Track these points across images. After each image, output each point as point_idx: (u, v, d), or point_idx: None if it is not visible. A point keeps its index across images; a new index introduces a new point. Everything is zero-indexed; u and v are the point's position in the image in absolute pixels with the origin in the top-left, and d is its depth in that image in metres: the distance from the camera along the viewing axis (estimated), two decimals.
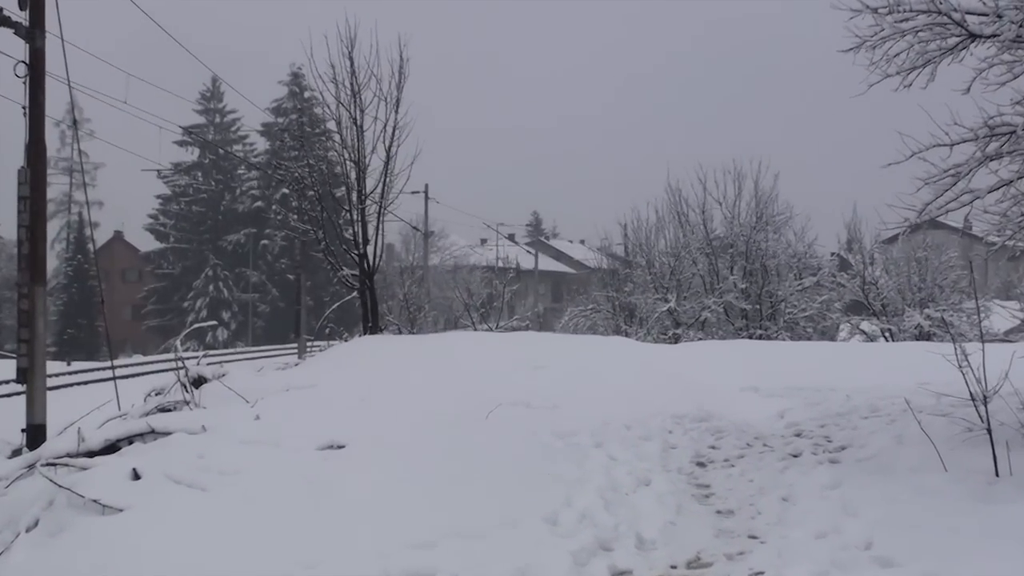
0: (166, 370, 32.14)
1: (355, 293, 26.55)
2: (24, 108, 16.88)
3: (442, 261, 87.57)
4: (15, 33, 16.81)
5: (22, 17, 16.94)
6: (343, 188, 26.31)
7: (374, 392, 15.22)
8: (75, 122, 37.43)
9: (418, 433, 12.45)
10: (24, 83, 16.87)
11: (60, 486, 9.65)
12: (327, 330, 30.96)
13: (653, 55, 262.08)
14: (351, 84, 25.27)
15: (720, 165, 41.53)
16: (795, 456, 12.80)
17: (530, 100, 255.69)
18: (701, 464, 13.00)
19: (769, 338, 36.50)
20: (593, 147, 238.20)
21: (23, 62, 16.89)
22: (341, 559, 8.56)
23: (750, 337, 36.53)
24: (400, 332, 30.30)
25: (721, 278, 40.16)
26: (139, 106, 32.57)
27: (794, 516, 10.11)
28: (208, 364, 17.32)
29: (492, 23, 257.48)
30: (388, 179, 25.56)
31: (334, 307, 31.19)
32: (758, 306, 39.00)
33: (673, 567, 9.15)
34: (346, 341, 26.08)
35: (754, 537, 9.83)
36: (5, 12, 16.69)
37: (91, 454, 11.48)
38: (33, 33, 16.88)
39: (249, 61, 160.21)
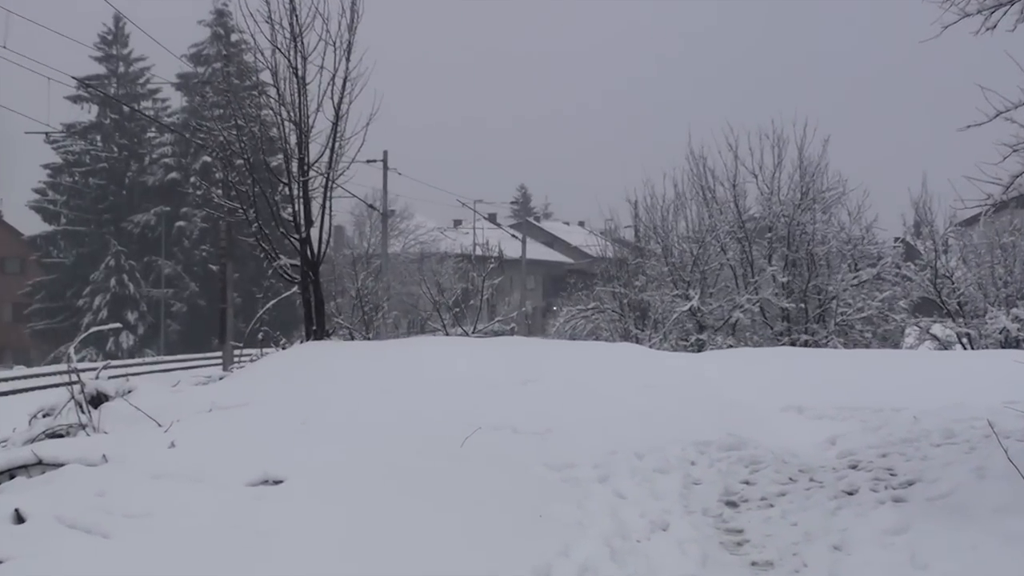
0: (57, 385, 32.06)
1: (296, 288, 26.42)
2: None
3: (405, 248, 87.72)
4: None
5: None
6: (280, 156, 26.20)
7: (320, 413, 15.24)
8: None
9: (375, 465, 12.45)
10: None
11: None
12: (260, 335, 30.94)
13: None
14: (291, 24, 24.89)
15: (756, 127, 40.40)
16: (850, 494, 12.81)
17: (518, 49, 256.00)
18: (732, 504, 13.02)
19: (817, 345, 36.37)
20: (596, 106, 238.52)
21: None
22: None
23: (792, 344, 36.40)
24: (352, 337, 30.28)
25: (757, 270, 39.74)
26: (21, 51, 32.44)
27: (849, 569, 10.12)
28: (110, 378, 17.32)
29: None
30: (337, 144, 25.31)
31: (269, 306, 30.94)
32: (803, 305, 38.66)
33: None
34: (284, 348, 26.04)
35: None
36: None
37: None
38: None
39: None
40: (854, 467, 14.16)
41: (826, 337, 37.64)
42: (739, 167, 41.38)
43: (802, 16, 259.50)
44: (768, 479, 13.86)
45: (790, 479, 13.85)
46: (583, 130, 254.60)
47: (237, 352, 41.12)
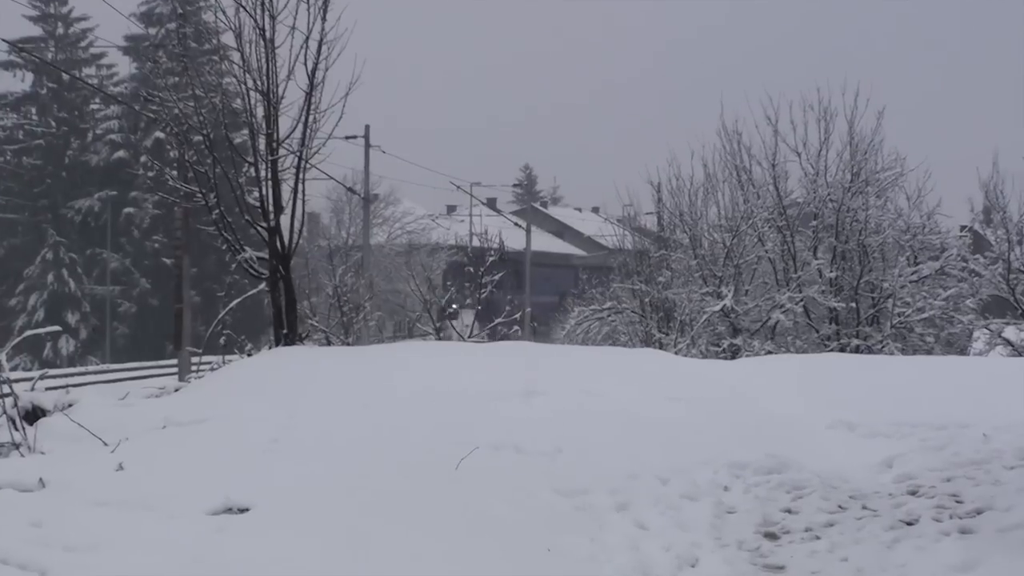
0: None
1: (263, 285, 26.39)
2: None
3: (391, 238, 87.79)
4: None
5: None
6: (245, 131, 26.17)
7: (292, 430, 15.26)
8: None
9: (356, 490, 12.47)
10: None
11: None
12: (222, 340, 30.93)
13: None
14: None
15: (798, 98, 39.86)
16: (909, 524, 12.83)
17: (523, 16, 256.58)
18: (772, 535, 13.03)
19: (870, 351, 36.33)
20: (612, 77, 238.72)
21: None
22: None
23: (842, 350, 36.36)
24: (329, 342, 30.29)
25: (800, 263, 39.63)
26: None
27: None
28: (47, 389, 17.35)
29: None
30: (311, 118, 25.19)
31: (232, 306, 30.87)
32: (854, 304, 38.59)
33: None
34: (250, 356, 26.04)
35: None
36: None
37: None
38: None
39: None
40: (914, 493, 14.17)
41: (881, 342, 37.54)
42: (779, 144, 41.07)
43: None
44: (814, 507, 13.86)
45: (839, 507, 13.85)
46: (600, 104, 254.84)
47: (195, 360, 41.20)
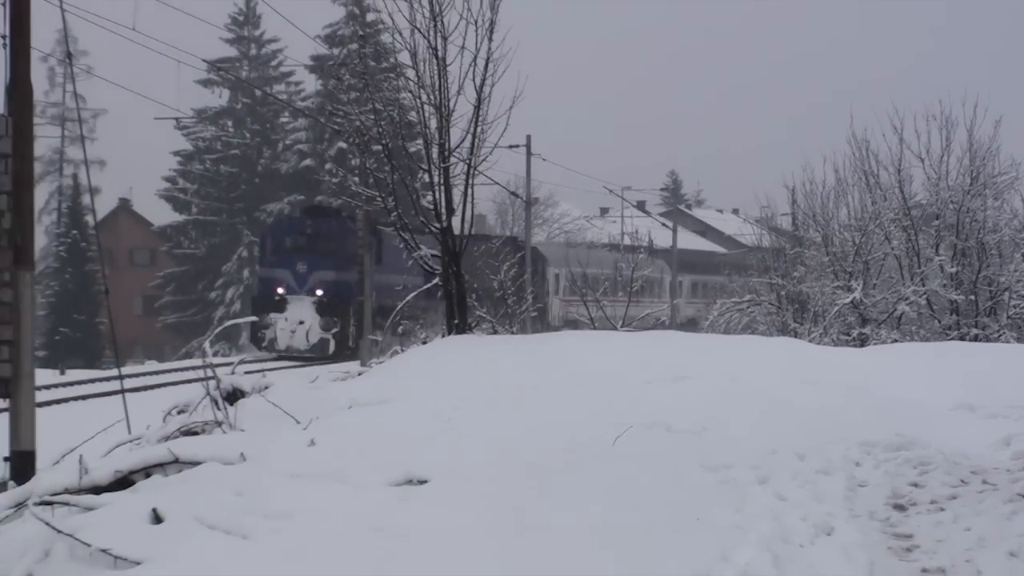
0: (190, 381, 32.44)
1: (437, 280, 26.53)
2: (2, 38, 17.06)
3: (550, 236, 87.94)
4: None
5: None
6: (420, 141, 26.34)
7: (464, 410, 15.30)
8: (69, 55, 37.40)
9: (522, 465, 12.49)
10: (2, 4, 17.02)
11: (59, 531, 9.64)
12: (400, 329, 31.16)
13: None
14: (430, 3, 24.98)
15: (922, 109, 40.05)
16: None
17: (666, 32, 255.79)
18: (900, 507, 12.91)
19: (988, 339, 35.92)
20: (748, 88, 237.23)
21: None
22: None
23: (962, 338, 35.95)
24: (496, 331, 30.41)
25: (923, 259, 39.59)
26: (151, 34, 32.78)
27: None
28: (246, 373, 17.51)
29: None
30: (479, 129, 25.39)
31: (408, 298, 31.07)
32: (973, 297, 38.32)
33: None
34: (425, 343, 26.17)
35: None
36: None
37: (97, 490, 11.43)
38: None
39: None
40: None
41: (998, 331, 37.22)
42: (904, 151, 41.25)
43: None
44: (938, 481, 13.71)
45: (962, 481, 13.69)
46: (739, 113, 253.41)
47: (378, 347, 41.48)
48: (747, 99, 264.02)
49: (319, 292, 56.60)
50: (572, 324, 60.68)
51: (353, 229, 56.49)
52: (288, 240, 59.90)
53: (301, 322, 55.63)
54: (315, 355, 54.11)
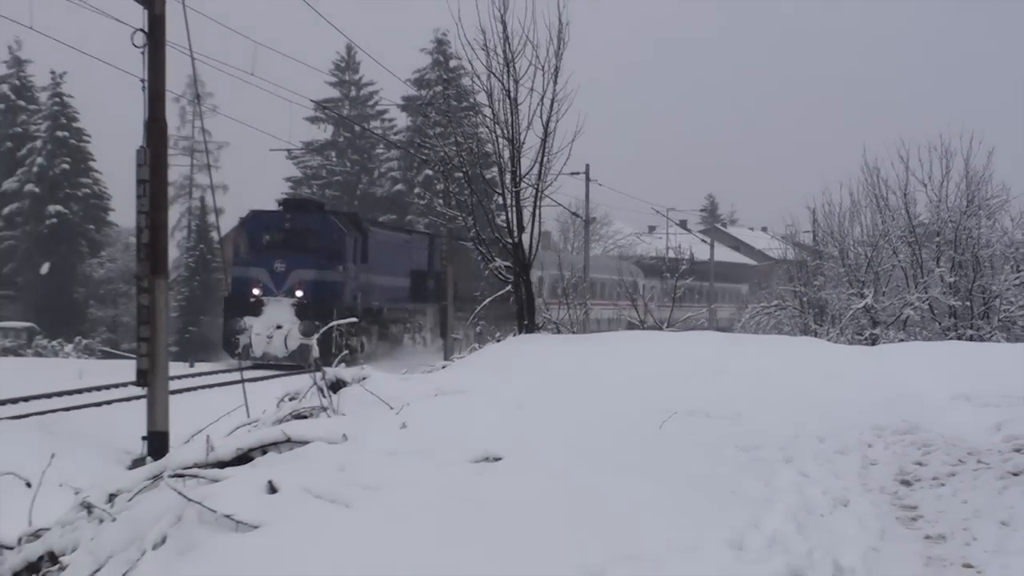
0: (299, 372, 32.63)
1: (509, 287, 26.64)
2: (143, 82, 17.19)
3: (605, 251, 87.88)
4: None
5: None
6: (495, 169, 26.49)
7: (532, 398, 15.32)
8: (198, 97, 38.06)
9: (583, 444, 12.49)
10: (142, 54, 17.13)
11: (189, 499, 9.71)
12: (477, 328, 31.24)
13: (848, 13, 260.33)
14: (504, 51, 25.27)
15: (925, 141, 40.66)
16: (1015, 475, 12.60)
17: (703, 71, 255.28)
18: (906, 483, 12.85)
19: (982, 339, 35.85)
20: (777, 121, 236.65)
21: (141, 30, 17.15)
22: None
23: (959, 338, 35.88)
24: (559, 331, 30.41)
25: (926, 271, 39.84)
26: (267, 78, 33.05)
27: (1017, 543, 9.95)
28: (347, 366, 17.58)
29: None
30: (545, 158, 25.69)
31: (485, 303, 31.12)
32: (968, 303, 38.46)
33: None
34: (498, 341, 26.26)
35: (969, 566, 9.71)
36: None
37: (221, 465, 11.51)
38: None
39: (388, 26, 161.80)
40: (1018, 450, 13.89)
41: (990, 332, 37.42)
42: (910, 177, 41.85)
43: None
44: (939, 461, 13.66)
45: (959, 461, 13.63)
46: (768, 142, 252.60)
47: (458, 342, 41.52)
48: (773, 130, 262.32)
49: (299, 293, 45.72)
50: (618, 325, 60.94)
51: (337, 224, 48.15)
52: (265, 235, 48.49)
53: (279, 326, 45.21)
54: (295, 363, 42.95)
